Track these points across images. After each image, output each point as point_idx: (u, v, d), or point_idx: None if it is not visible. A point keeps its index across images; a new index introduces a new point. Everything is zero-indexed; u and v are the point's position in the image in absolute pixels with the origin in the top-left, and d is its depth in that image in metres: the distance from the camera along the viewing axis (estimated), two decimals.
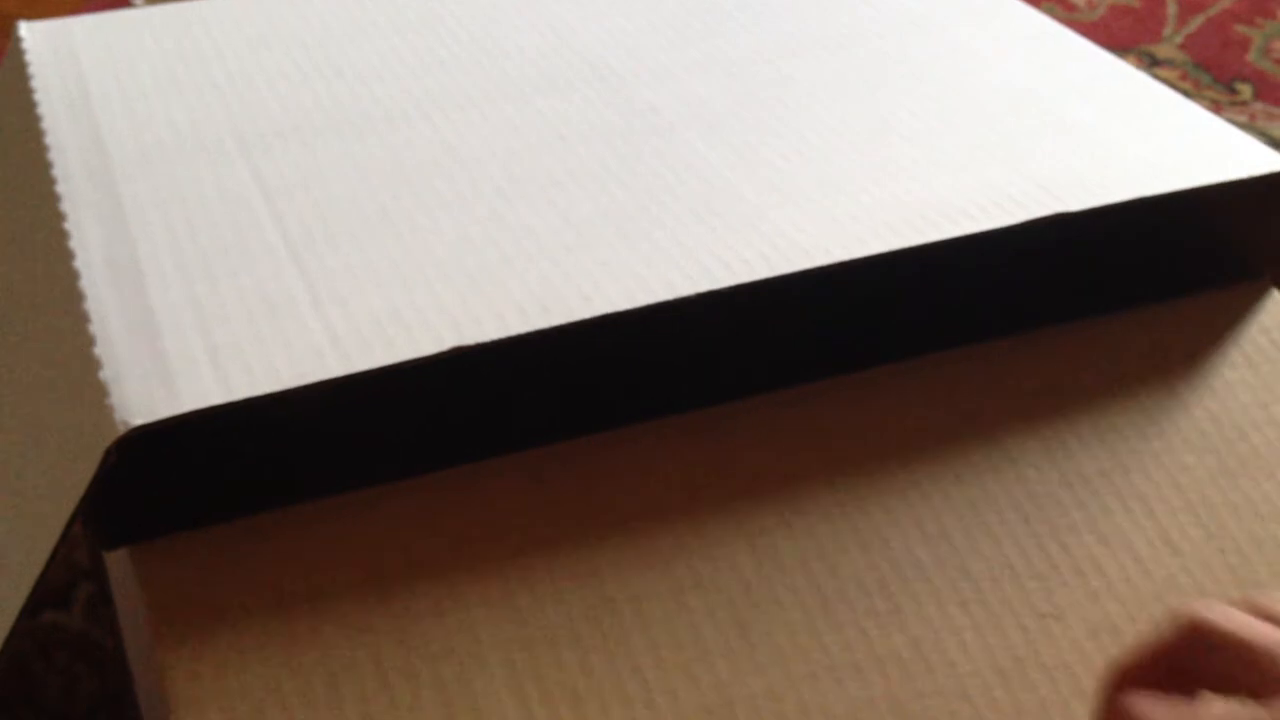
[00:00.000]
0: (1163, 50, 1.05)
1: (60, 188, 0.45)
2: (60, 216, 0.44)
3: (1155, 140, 0.48)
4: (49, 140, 0.48)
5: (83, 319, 0.39)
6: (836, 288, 0.42)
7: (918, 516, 0.41)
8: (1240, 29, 1.08)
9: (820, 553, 0.39)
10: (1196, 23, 1.08)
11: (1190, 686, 0.32)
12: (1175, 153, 0.47)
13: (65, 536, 0.36)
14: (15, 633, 0.37)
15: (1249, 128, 0.91)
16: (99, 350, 0.38)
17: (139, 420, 0.35)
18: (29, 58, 0.54)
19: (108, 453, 0.35)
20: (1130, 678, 0.33)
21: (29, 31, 0.56)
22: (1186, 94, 0.51)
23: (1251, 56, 1.03)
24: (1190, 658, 0.32)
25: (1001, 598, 0.39)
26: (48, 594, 0.37)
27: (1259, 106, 0.97)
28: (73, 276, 0.41)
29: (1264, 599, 0.33)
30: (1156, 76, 0.53)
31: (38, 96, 0.51)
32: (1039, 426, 0.43)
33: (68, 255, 0.42)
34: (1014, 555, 0.40)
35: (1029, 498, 0.41)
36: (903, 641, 0.38)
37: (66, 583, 0.64)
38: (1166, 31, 1.07)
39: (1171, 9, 1.11)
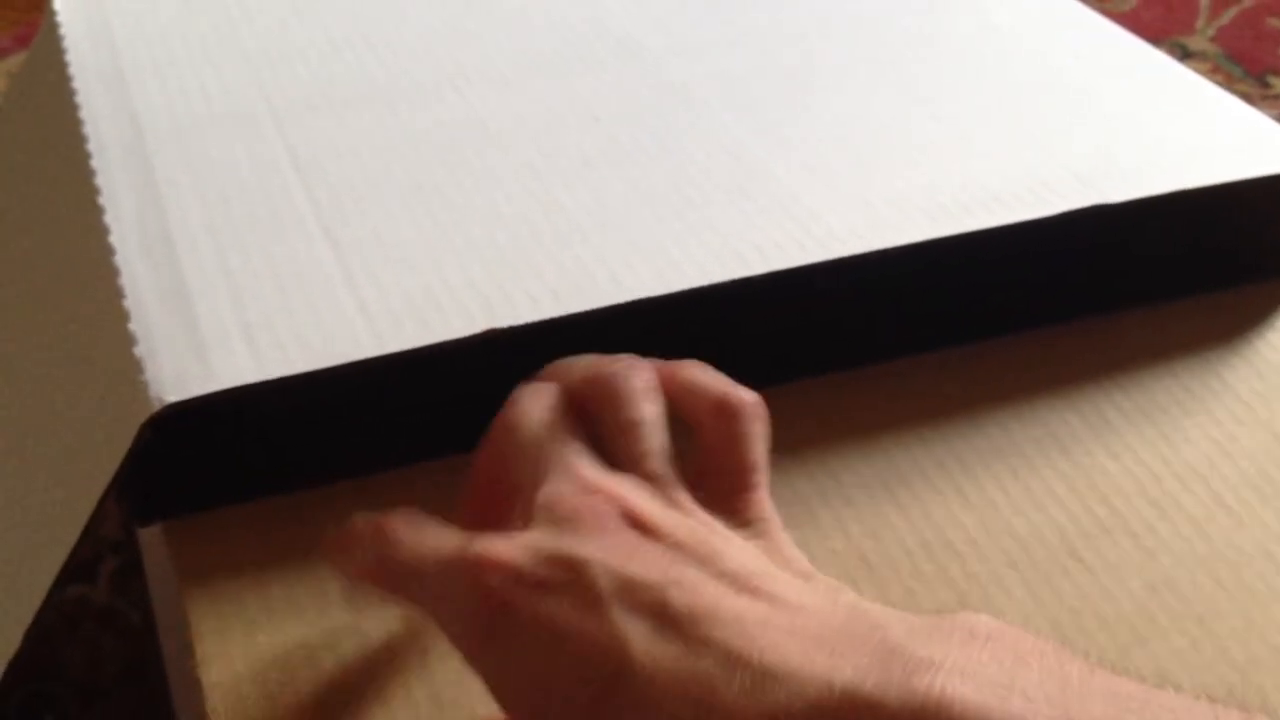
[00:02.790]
0: (1195, 42, 1.04)
1: (95, 161, 0.45)
2: (95, 190, 0.44)
3: (1194, 131, 0.47)
4: (83, 114, 0.48)
5: (117, 294, 0.39)
6: (872, 275, 0.42)
7: (959, 486, 0.40)
8: (1273, 22, 1.07)
9: (860, 520, 0.39)
10: (1229, 15, 1.08)
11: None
12: (1215, 145, 0.47)
13: (98, 511, 0.36)
14: (44, 605, 0.37)
15: None
16: (133, 326, 0.38)
17: (173, 397, 0.35)
18: (63, 30, 0.54)
19: (142, 429, 0.35)
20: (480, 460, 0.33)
21: (63, 4, 0.56)
22: (1218, 87, 0.51)
23: None
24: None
25: (1051, 556, 0.38)
26: (74, 567, 0.37)
27: None
28: (107, 251, 0.41)
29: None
30: (1188, 69, 0.52)
31: (72, 69, 0.51)
32: (1080, 405, 0.43)
33: (103, 230, 0.42)
34: (1062, 518, 0.39)
35: (1075, 468, 0.41)
36: (950, 597, 0.37)
37: (93, 556, 0.65)
38: (1199, 24, 1.07)
39: (1204, 1, 1.10)
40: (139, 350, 0.37)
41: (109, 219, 0.42)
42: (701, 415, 0.33)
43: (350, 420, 0.39)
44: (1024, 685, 0.24)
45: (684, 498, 0.31)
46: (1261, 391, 0.44)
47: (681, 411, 0.33)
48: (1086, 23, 0.56)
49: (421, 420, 0.40)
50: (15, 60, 1.09)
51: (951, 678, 0.24)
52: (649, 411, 0.32)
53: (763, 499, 0.32)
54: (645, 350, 0.42)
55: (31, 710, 0.60)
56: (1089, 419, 0.43)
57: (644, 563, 0.28)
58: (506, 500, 0.33)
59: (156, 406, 0.35)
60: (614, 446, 0.32)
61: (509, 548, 0.29)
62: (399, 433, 0.40)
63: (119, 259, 0.40)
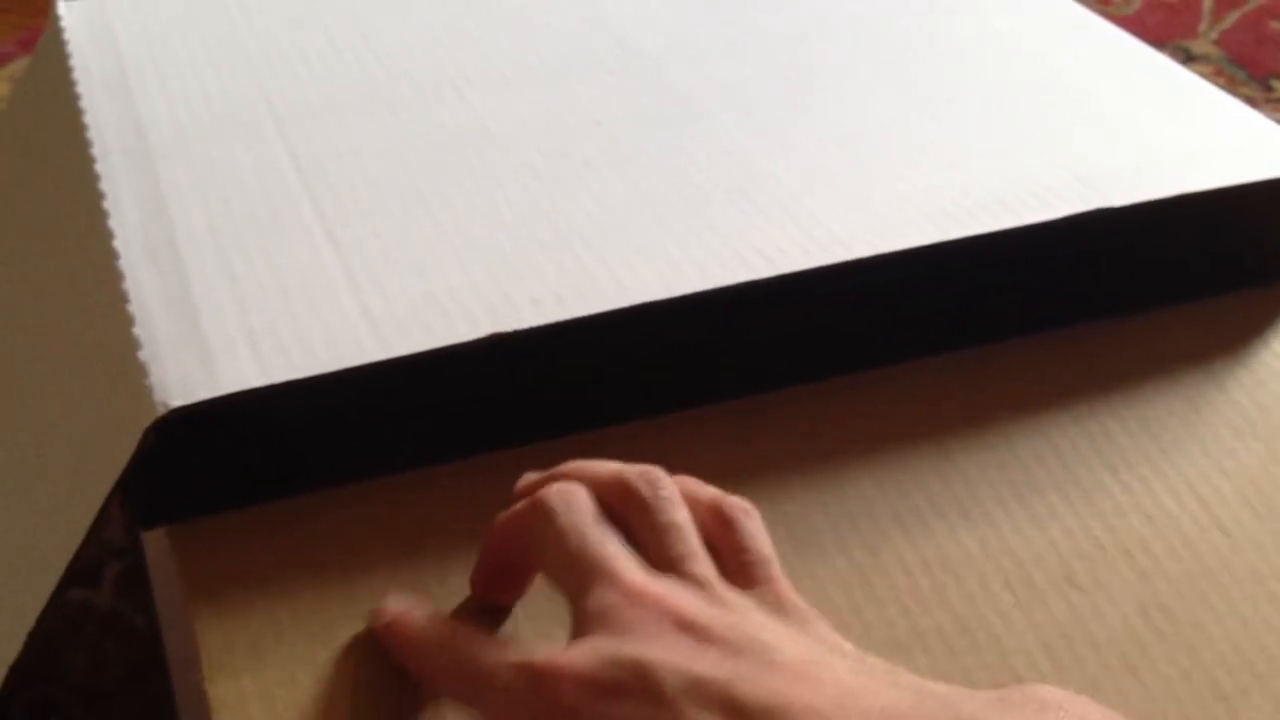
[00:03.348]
0: (1197, 46, 1.04)
1: (98, 165, 0.45)
2: (99, 195, 0.44)
3: (1196, 135, 0.47)
4: (87, 119, 0.48)
5: (121, 299, 0.39)
6: (875, 280, 0.42)
7: (958, 499, 0.40)
8: (1275, 25, 1.07)
9: (858, 534, 0.39)
10: (1232, 19, 1.08)
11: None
12: (1218, 148, 0.47)
13: (102, 516, 0.36)
14: (47, 609, 0.37)
15: None
16: (138, 330, 0.38)
17: (178, 402, 0.35)
18: (67, 35, 0.54)
19: (146, 433, 0.35)
20: (498, 535, 0.35)
21: (67, 9, 0.56)
22: (1221, 90, 0.51)
23: None
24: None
25: (1047, 576, 0.39)
26: (78, 572, 0.37)
27: None
28: (111, 256, 0.41)
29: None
30: (1190, 72, 0.52)
31: (76, 74, 0.51)
32: (1081, 415, 0.43)
33: (107, 234, 0.42)
34: (1059, 536, 0.40)
35: (1073, 482, 0.41)
36: (946, 618, 0.37)
37: (96, 561, 0.65)
38: (1201, 27, 1.07)
39: (1207, 4, 1.10)
40: (143, 355, 0.37)
41: (113, 224, 0.42)
42: (704, 518, 0.34)
43: (355, 425, 0.39)
44: None
45: (730, 595, 0.32)
46: (1263, 402, 0.44)
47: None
48: (1088, 25, 0.56)
49: (426, 424, 0.40)
50: (18, 65, 1.10)
51: None
52: (682, 515, 0.34)
53: (788, 589, 0.33)
54: (648, 354, 0.42)
55: (35, 714, 0.60)
56: (1091, 432, 0.43)
57: (705, 662, 0.29)
58: (519, 576, 0.36)
59: (161, 411, 0.35)
60: (651, 548, 0.33)
61: (574, 656, 0.30)
62: (403, 437, 0.40)
63: (123, 263, 0.40)
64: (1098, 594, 0.38)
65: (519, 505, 0.35)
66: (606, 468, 0.35)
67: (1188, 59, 1.01)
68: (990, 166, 0.45)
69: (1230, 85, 0.97)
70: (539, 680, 0.30)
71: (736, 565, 0.33)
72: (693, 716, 0.28)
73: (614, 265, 0.40)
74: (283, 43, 0.54)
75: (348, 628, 0.36)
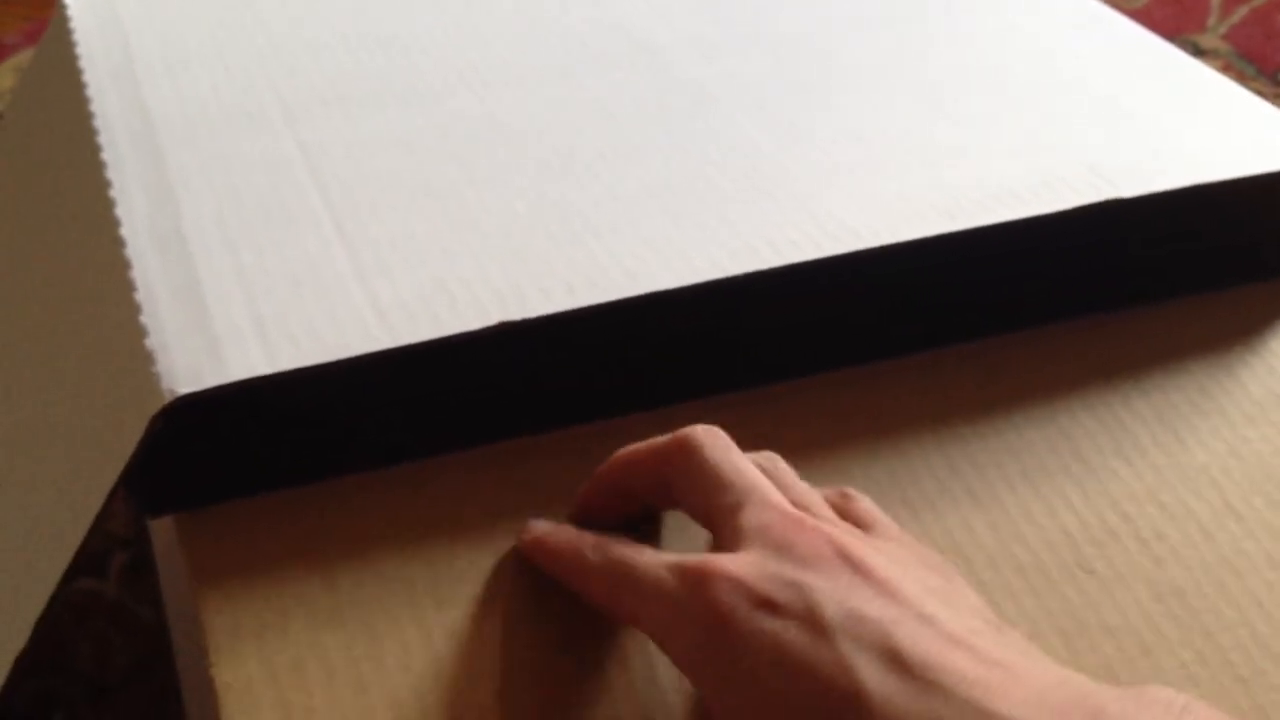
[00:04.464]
0: (1206, 41, 1.04)
1: (106, 155, 0.45)
2: (106, 184, 0.43)
3: (1209, 127, 0.47)
4: (94, 108, 0.48)
5: (129, 287, 0.39)
6: (887, 270, 0.42)
7: (968, 484, 0.40)
8: None
9: None
10: (1240, 13, 1.07)
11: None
12: (1230, 140, 0.46)
13: (109, 503, 0.36)
14: (54, 598, 0.37)
15: None
16: (145, 318, 0.37)
17: (185, 389, 0.35)
18: (74, 25, 0.54)
19: (153, 420, 0.34)
20: (626, 465, 0.36)
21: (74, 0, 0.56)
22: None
23: None
24: (671, 469, 0.35)
25: (1060, 563, 0.38)
26: (84, 561, 0.37)
27: None
28: (118, 244, 0.41)
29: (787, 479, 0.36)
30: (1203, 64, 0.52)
31: (83, 64, 0.51)
32: (1093, 404, 0.43)
33: (114, 223, 0.42)
34: (1071, 523, 0.39)
35: (1086, 471, 0.41)
36: None
37: (103, 550, 0.65)
38: (1210, 22, 1.06)
39: None
40: (150, 342, 0.36)
41: (120, 212, 0.42)
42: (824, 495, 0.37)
43: (363, 414, 0.39)
44: None
45: (879, 542, 0.33)
46: (1276, 391, 0.44)
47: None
48: (1099, 17, 0.56)
49: (434, 414, 0.40)
50: (24, 56, 1.10)
51: None
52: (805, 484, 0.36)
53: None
54: (659, 343, 0.42)
55: (40, 707, 0.60)
56: (1103, 419, 0.43)
57: (864, 597, 0.29)
58: (627, 505, 0.37)
59: (168, 398, 0.35)
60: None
61: (736, 561, 0.30)
62: (411, 426, 0.40)
63: (130, 252, 0.40)
64: (1112, 579, 0.38)
65: (657, 441, 0.35)
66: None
67: (1196, 54, 1.01)
68: (1003, 158, 0.45)
69: (1240, 80, 0.97)
70: (696, 580, 0.30)
71: (865, 528, 0.34)
72: (848, 651, 0.28)
73: (624, 256, 0.40)
74: (291, 34, 0.54)
75: (356, 614, 0.36)
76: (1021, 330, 0.45)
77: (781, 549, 0.31)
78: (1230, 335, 0.46)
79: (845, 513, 0.35)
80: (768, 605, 0.29)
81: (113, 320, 0.39)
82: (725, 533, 0.33)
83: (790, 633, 0.29)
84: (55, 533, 0.37)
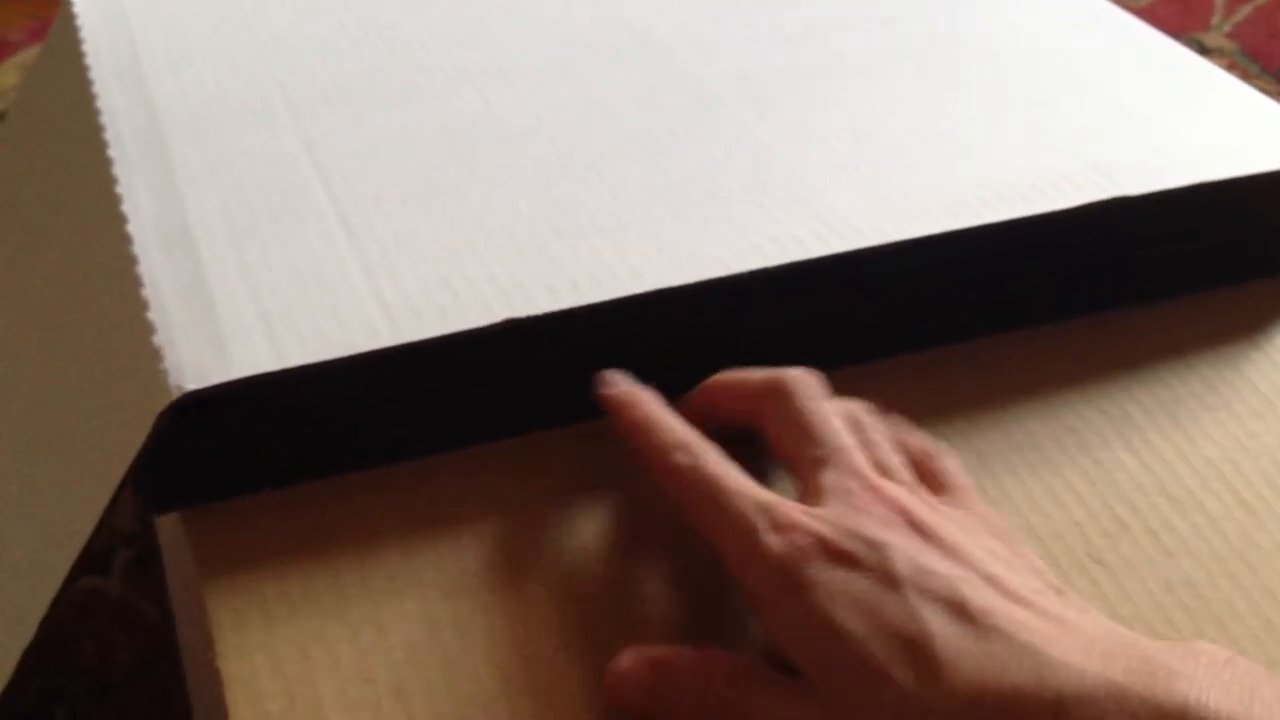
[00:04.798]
0: (1210, 39, 1.04)
1: (112, 152, 0.45)
2: (112, 181, 0.44)
3: (1214, 124, 0.47)
4: (100, 104, 0.48)
5: (135, 283, 0.39)
6: (890, 268, 0.42)
7: (978, 482, 0.40)
8: None
9: None
10: (1244, 11, 1.07)
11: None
12: (1235, 138, 0.46)
13: (115, 500, 0.36)
14: (59, 595, 0.37)
15: None
16: (151, 315, 0.38)
17: (192, 385, 0.35)
18: (80, 21, 0.54)
19: (160, 417, 0.35)
20: (721, 392, 0.39)
21: None
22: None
23: None
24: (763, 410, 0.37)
25: (1069, 554, 0.38)
26: (88, 558, 0.37)
27: None
28: (124, 241, 0.41)
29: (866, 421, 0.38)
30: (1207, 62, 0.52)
31: (89, 60, 0.51)
32: (1098, 400, 0.43)
33: (120, 220, 0.42)
34: (1080, 515, 0.39)
35: (1094, 464, 0.41)
36: None
37: (107, 548, 0.65)
38: (1215, 20, 1.06)
39: None
40: (157, 339, 0.37)
41: (126, 209, 0.42)
42: (912, 453, 0.38)
43: (368, 411, 0.39)
44: (1263, 700, 0.28)
45: (950, 511, 0.35)
46: None
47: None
48: (1103, 15, 0.56)
49: (439, 411, 0.40)
50: (28, 54, 1.10)
51: (1204, 688, 0.28)
52: (891, 443, 0.38)
53: (989, 512, 0.37)
54: (664, 340, 0.42)
55: (44, 704, 0.60)
56: (1108, 414, 0.43)
57: (932, 557, 0.32)
58: (714, 421, 0.38)
59: (175, 395, 0.35)
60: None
61: (816, 516, 0.33)
62: (417, 424, 0.40)
63: (137, 248, 0.40)
64: (1122, 570, 0.38)
65: (753, 376, 0.38)
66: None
67: (1201, 52, 1.01)
68: (1006, 157, 0.45)
69: (1244, 78, 0.97)
70: (779, 526, 0.33)
71: (940, 491, 0.37)
72: (916, 602, 0.31)
73: (630, 256, 0.40)
74: (296, 31, 0.54)
75: (362, 605, 0.36)
76: (1024, 328, 0.45)
77: (858, 511, 0.33)
78: (1236, 331, 0.46)
79: (925, 474, 0.37)
80: (843, 558, 0.32)
81: (119, 317, 0.39)
82: (808, 484, 0.35)
83: (862, 583, 0.31)
84: (61, 530, 0.38)
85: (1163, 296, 0.47)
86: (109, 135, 0.46)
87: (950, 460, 0.38)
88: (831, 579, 0.32)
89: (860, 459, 0.35)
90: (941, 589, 0.31)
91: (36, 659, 0.37)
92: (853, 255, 0.40)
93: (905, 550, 0.32)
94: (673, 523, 0.38)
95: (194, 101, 0.49)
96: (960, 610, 0.31)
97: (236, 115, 0.48)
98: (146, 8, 0.55)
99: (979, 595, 0.31)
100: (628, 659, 0.34)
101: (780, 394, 0.37)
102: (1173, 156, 0.45)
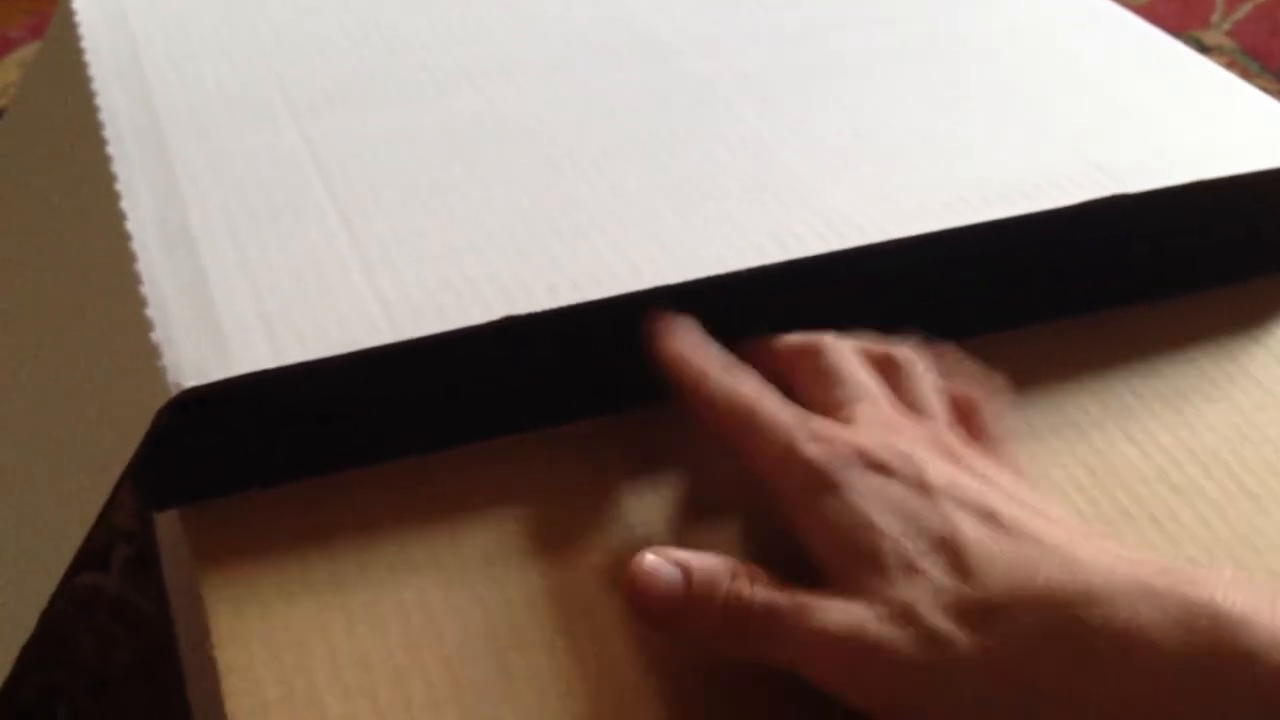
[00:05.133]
0: (1210, 37, 1.04)
1: (111, 150, 0.45)
2: (112, 179, 0.44)
3: (1214, 122, 0.47)
4: (100, 102, 0.48)
5: (135, 281, 0.39)
6: (891, 265, 0.42)
7: None
8: None
9: None
10: (1245, 9, 1.07)
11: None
12: (1235, 135, 0.46)
13: (114, 497, 0.36)
14: (59, 590, 0.37)
15: None
16: (151, 312, 0.38)
17: (191, 382, 0.35)
18: (79, 19, 0.54)
19: (159, 414, 0.35)
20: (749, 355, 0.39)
21: None
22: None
23: None
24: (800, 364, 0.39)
25: None
26: (87, 555, 0.37)
27: None
28: (125, 238, 0.41)
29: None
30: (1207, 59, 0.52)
31: (88, 58, 0.51)
32: (1100, 393, 0.43)
33: (120, 217, 0.42)
34: (1083, 504, 0.39)
35: (1095, 454, 0.41)
36: None
37: (105, 544, 0.65)
38: (1214, 18, 1.06)
39: None
40: (156, 336, 0.37)
41: (126, 206, 0.42)
42: (957, 400, 0.39)
43: (367, 408, 0.39)
44: None
45: (978, 453, 0.36)
46: None
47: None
48: (1104, 13, 0.56)
49: (438, 409, 0.40)
50: (27, 50, 1.10)
51: (1225, 589, 0.30)
52: (935, 386, 0.39)
53: (1020, 472, 0.38)
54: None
55: (44, 700, 0.60)
56: (1109, 405, 0.43)
57: (965, 477, 0.34)
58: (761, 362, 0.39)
59: (174, 391, 0.35)
60: (905, 400, 0.38)
61: (852, 429, 0.35)
62: (416, 421, 0.40)
63: (136, 246, 0.40)
64: None
65: (784, 340, 0.40)
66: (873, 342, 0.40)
67: (1201, 50, 1.01)
68: (1007, 156, 0.45)
69: (1244, 76, 0.97)
70: (817, 434, 0.34)
71: (977, 437, 0.38)
72: (949, 507, 0.32)
73: (630, 254, 0.40)
74: (297, 29, 0.54)
75: (359, 595, 0.36)
76: (1025, 325, 0.45)
77: (893, 431, 0.35)
78: (1237, 327, 0.46)
79: (965, 420, 0.38)
80: (880, 466, 0.33)
81: (119, 314, 0.39)
82: (839, 418, 0.36)
83: (898, 488, 0.33)
84: (60, 526, 0.38)
85: (1163, 295, 0.47)
86: (109, 133, 0.46)
87: (992, 410, 0.39)
88: (869, 482, 0.33)
89: (888, 403, 0.37)
90: (973, 498, 0.33)
91: (36, 654, 0.37)
92: (853, 253, 0.40)
93: (939, 464, 0.34)
94: (672, 518, 0.38)
95: (194, 99, 0.49)
96: (991, 517, 0.32)
97: (237, 114, 0.48)
98: (146, 6, 0.55)
99: (1008, 507, 0.32)
100: (650, 558, 0.34)
101: (811, 352, 0.38)
102: (1173, 155, 0.45)
